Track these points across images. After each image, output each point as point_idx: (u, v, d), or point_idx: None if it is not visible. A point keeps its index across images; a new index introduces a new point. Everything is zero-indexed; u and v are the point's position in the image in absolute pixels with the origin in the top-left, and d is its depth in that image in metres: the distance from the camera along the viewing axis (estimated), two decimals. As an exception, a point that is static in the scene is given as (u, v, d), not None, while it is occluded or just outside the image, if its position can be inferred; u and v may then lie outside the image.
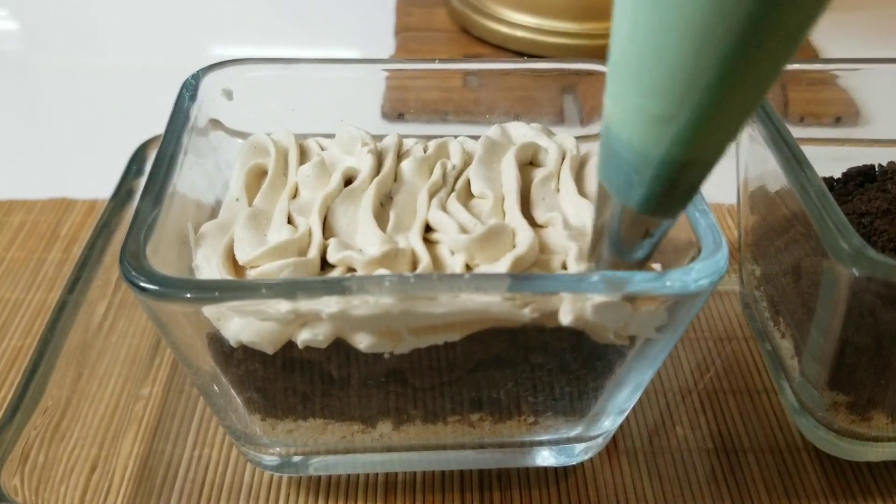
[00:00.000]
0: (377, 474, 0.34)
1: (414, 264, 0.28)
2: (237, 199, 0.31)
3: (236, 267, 0.28)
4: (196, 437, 0.35)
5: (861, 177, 0.37)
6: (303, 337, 0.26)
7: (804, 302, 0.32)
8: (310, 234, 0.29)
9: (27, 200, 0.48)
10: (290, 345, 0.26)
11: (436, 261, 0.28)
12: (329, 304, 0.24)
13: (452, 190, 0.31)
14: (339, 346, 0.26)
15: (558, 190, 0.32)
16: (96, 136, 0.55)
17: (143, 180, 0.29)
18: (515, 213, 0.30)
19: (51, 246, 0.45)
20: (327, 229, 0.30)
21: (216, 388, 0.29)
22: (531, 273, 0.26)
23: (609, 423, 0.31)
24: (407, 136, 0.35)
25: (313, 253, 0.28)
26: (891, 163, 0.38)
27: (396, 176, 0.32)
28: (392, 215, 0.30)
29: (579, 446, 0.32)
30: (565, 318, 0.25)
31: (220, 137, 0.35)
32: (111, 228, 0.36)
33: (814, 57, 0.64)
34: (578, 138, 0.35)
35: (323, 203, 0.30)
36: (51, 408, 0.31)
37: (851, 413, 0.32)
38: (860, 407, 0.32)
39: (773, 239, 0.35)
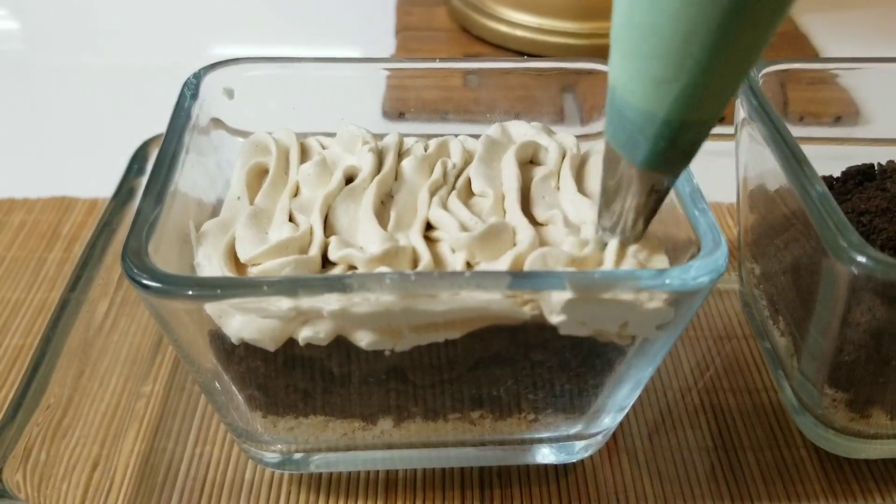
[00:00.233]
0: (378, 471, 0.34)
1: (415, 262, 0.28)
2: (238, 198, 0.31)
3: (238, 265, 0.28)
4: (197, 435, 0.35)
5: (860, 176, 0.37)
6: (304, 334, 0.26)
7: (803, 300, 0.33)
8: (311, 233, 0.29)
9: (28, 199, 0.48)
10: (292, 342, 0.26)
11: (436, 259, 0.28)
12: (330, 302, 0.24)
13: (453, 188, 0.32)
14: (340, 344, 0.26)
15: (558, 188, 0.32)
16: (97, 134, 0.56)
17: (144, 179, 0.29)
18: (516, 212, 0.30)
19: (52, 245, 0.45)
20: (328, 227, 0.30)
21: (218, 385, 0.29)
22: (532, 271, 0.26)
23: (609, 421, 0.32)
24: (407, 135, 0.35)
25: (314, 251, 0.28)
26: (890, 162, 0.38)
27: (397, 174, 0.32)
28: (393, 213, 0.30)
29: (579, 444, 0.32)
30: (553, 318, 0.25)
31: (222, 136, 0.35)
32: (112, 227, 0.36)
33: (813, 56, 0.64)
34: (578, 137, 0.35)
35: (324, 201, 0.30)
36: (53, 405, 0.31)
37: (850, 411, 0.32)
38: (859, 405, 0.32)
39: (772, 237, 0.35)
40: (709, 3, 0.20)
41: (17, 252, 0.45)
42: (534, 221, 0.30)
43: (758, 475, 0.34)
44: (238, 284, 0.25)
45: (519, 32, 0.63)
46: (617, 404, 0.31)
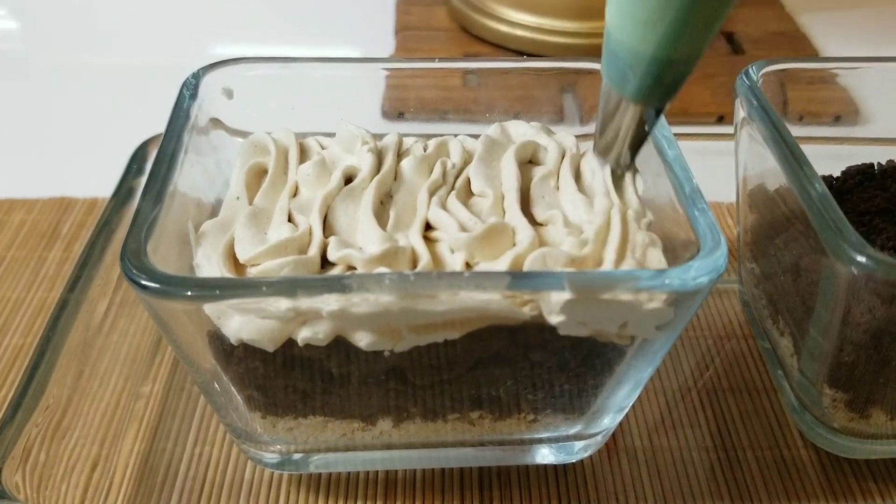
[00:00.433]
0: (377, 472, 0.34)
1: (414, 262, 0.28)
2: (237, 198, 0.31)
3: (237, 265, 0.28)
4: (197, 435, 0.35)
5: (860, 175, 0.37)
6: (303, 335, 0.26)
7: (803, 300, 0.32)
8: (310, 233, 0.29)
9: (27, 199, 0.48)
10: (291, 342, 0.26)
11: (436, 259, 0.28)
12: (329, 302, 0.24)
13: (452, 188, 0.31)
14: (340, 344, 0.26)
15: (558, 188, 0.32)
16: (96, 134, 0.56)
17: (143, 179, 0.29)
18: (515, 212, 0.30)
19: (51, 245, 0.45)
20: (327, 228, 0.30)
21: (217, 385, 0.29)
22: (531, 271, 0.26)
23: (608, 421, 0.32)
24: (407, 135, 0.35)
25: (313, 251, 0.28)
26: (890, 161, 0.38)
27: (396, 174, 0.32)
28: (392, 214, 0.30)
29: (579, 444, 0.32)
30: (553, 318, 0.25)
31: (221, 136, 0.35)
32: (112, 227, 0.36)
33: (813, 56, 0.64)
34: (578, 137, 0.35)
35: (323, 201, 0.30)
36: (52, 406, 0.31)
37: (850, 411, 0.32)
38: (859, 405, 0.32)
39: (772, 237, 0.35)
40: None
41: (16, 252, 0.45)
42: (533, 221, 0.30)
43: (757, 475, 0.34)
44: (237, 285, 0.25)
45: (518, 32, 0.63)
46: (616, 404, 0.31)
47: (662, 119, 0.32)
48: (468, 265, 0.28)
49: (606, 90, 0.29)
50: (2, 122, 0.57)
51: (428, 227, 0.30)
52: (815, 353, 0.32)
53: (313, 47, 0.67)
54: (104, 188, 0.39)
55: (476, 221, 0.29)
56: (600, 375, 0.29)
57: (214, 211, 0.32)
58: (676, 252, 0.28)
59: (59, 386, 0.32)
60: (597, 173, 0.32)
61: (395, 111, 0.41)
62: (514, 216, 0.29)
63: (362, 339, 0.26)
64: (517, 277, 0.25)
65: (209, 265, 0.28)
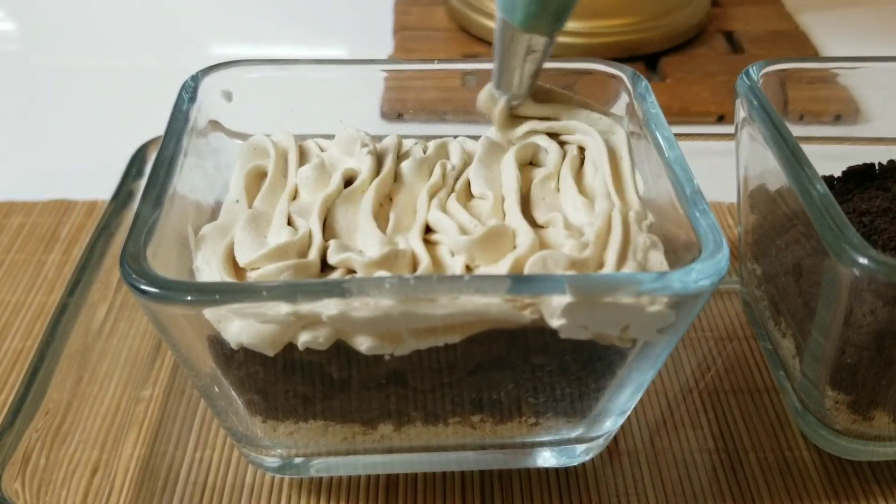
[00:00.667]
0: (378, 475, 0.34)
1: (414, 266, 0.28)
2: (237, 201, 0.31)
3: (237, 269, 0.28)
4: (197, 439, 0.35)
5: (861, 175, 0.37)
6: (303, 339, 0.26)
7: (805, 301, 0.32)
8: (310, 236, 0.29)
9: (27, 202, 0.48)
10: (291, 347, 0.26)
11: (436, 262, 0.28)
12: (329, 307, 0.24)
13: (452, 190, 0.31)
14: (340, 348, 0.26)
15: (558, 190, 0.32)
16: (96, 137, 0.55)
17: (142, 182, 0.29)
18: (516, 214, 0.29)
19: (51, 248, 0.45)
20: (327, 231, 0.30)
21: (217, 390, 0.29)
22: (532, 275, 0.26)
23: (610, 424, 0.31)
24: (406, 137, 0.35)
25: (313, 255, 0.28)
26: (891, 161, 0.38)
27: (396, 177, 0.32)
28: (392, 216, 0.30)
29: (580, 447, 0.32)
30: (554, 321, 0.25)
31: (220, 139, 0.35)
32: (111, 230, 0.36)
33: (813, 55, 0.64)
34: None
35: (323, 204, 0.30)
36: (52, 411, 0.31)
37: (853, 412, 0.32)
38: (861, 406, 0.32)
39: (773, 238, 0.35)
40: None
41: (15, 255, 0.45)
42: (534, 224, 0.30)
43: (759, 477, 0.34)
44: (237, 290, 0.25)
45: (518, 32, 0.63)
46: (618, 408, 0.30)
47: (662, 119, 0.32)
48: (468, 268, 0.28)
49: (499, 21, 0.31)
50: (0, 123, 0.57)
51: (428, 229, 0.30)
52: (817, 354, 0.32)
53: (312, 47, 0.67)
54: (103, 191, 0.39)
55: (476, 224, 0.29)
56: (602, 378, 0.29)
57: (214, 214, 0.32)
58: (677, 254, 0.28)
59: (59, 390, 0.31)
60: (598, 174, 0.32)
61: (394, 113, 0.41)
62: (515, 218, 0.29)
63: (363, 343, 0.26)
64: (518, 281, 0.25)
65: (209, 269, 0.28)
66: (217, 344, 0.27)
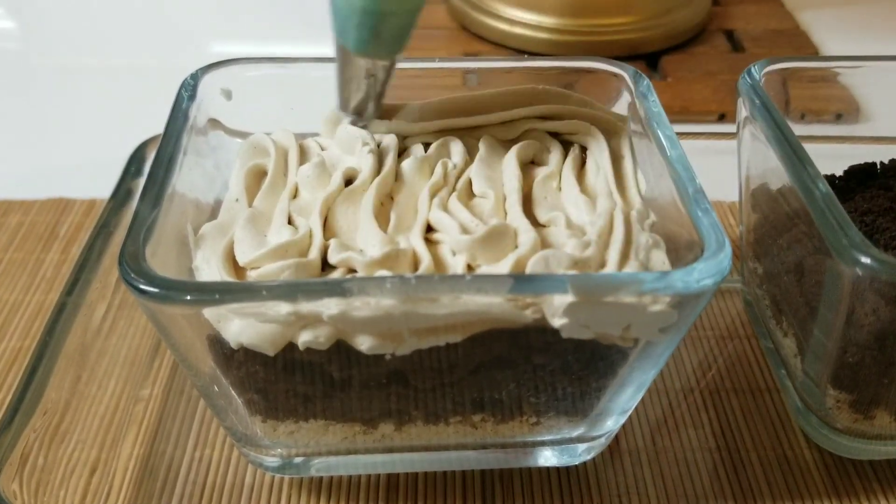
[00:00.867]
0: (379, 475, 0.34)
1: (415, 265, 0.28)
2: (237, 200, 0.31)
3: (236, 268, 0.28)
4: (197, 439, 0.35)
5: (863, 174, 0.37)
6: (304, 339, 0.25)
7: (807, 300, 0.32)
8: (310, 235, 0.29)
9: (25, 201, 0.48)
10: (291, 346, 0.26)
11: (437, 261, 0.28)
12: (330, 306, 0.24)
13: (454, 189, 0.31)
14: (341, 348, 0.26)
15: (560, 189, 0.32)
16: (94, 135, 0.55)
17: (141, 180, 0.29)
18: (517, 213, 0.29)
19: (49, 246, 0.45)
20: (328, 230, 0.29)
21: (216, 389, 0.29)
22: (533, 274, 0.26)
23: (612, 423, 0.31)
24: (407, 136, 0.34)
25: (314, 254, 0.28)
26: (892, 160, 0.38)
27: (397, 175, 0.32)
28: (393, 215, 0.30)
29: (582, 446, 0.32)
30: (556, 321, 0.25)
31: (220, 137, 0.35)
32: (110, 229, 0.36)
33: (813, 53, 0.64)
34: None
35: (323, 203, 0.30)
36: (50, 410, 0.31)
37: (854, 412, 0.32)
38: (863, 405, 0.32)
39: (775, 237, 0.35)
40: None
41: (14, 254, 0.44)
42: (535, 223, 0.30)
43: (761, 476, 0.34)
44: (237, 289, 0.25)
45: (518, 30, 0.63)
46: (620, 407, 0.30)
47: (664, 118, 0.32)
48: (470, 267, 0.27)
49: (336, 44, 0.30)
50: (-1, 122, 0.57)
51: (429, 228, 0.30)
52: (819, 353, 0.32)
53: (312, 45, 0.66)
54: (102, 189, 0.38)
55: (477, 223, 0.29)
56: (603, 378, 0.28)
57: (213, 213, 0.32)
58: (679, 253, 0.28)
59: (58, 390, 0.31)
60: (600, 173, 0.31)
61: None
62: (516, 217, 0.29)
63: (363, 343, 0.26)
64: (520, 281, 0.24)
65: (208, 268, 0.28)
66: (217, 343, 0.27)
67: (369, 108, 0.32)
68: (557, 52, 0.62)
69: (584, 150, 0.34)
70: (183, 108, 0.32)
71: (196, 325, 0.26)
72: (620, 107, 0.35)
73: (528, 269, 0.26)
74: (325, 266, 0.28)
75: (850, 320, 0.29)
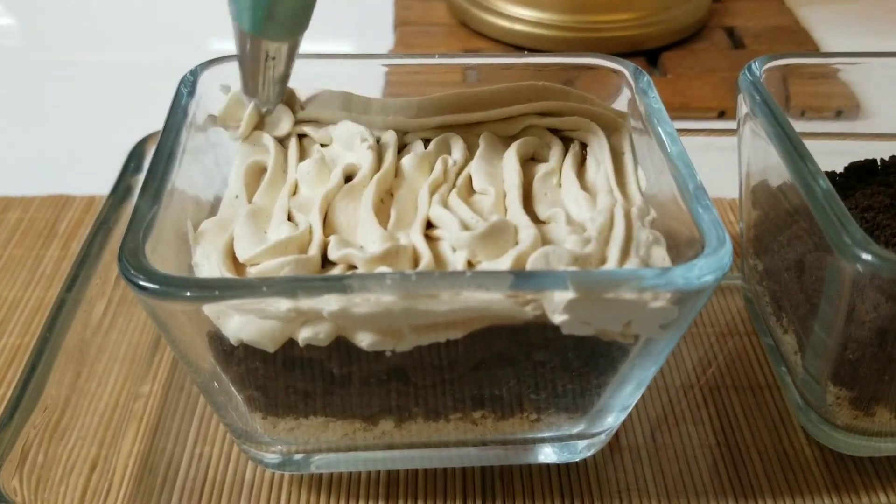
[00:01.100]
0: (379, 472, 0.34)
1: (415, 261, 0.28)
2: (237, 196, 0.31)
3: (236, 265, 0.28)
4: (197, 435, 0.35)
5: (863, 171, 0.37)
6: (304, 335, 0.25)
7: (807, 297, 0.32)
8: (310, 232, 0.29)
9: (24, 197, 0.48)
10: (291, 343, 0.26)
11: (437, 258, 0.28)
12: (330, 303, 0.24)
13: (454, 186, 0.31)
14: (341, 345, 0.26)
15: (560, 185, 0.32)
16: (94, 132, 0.55)
17: (141, 177, 0.29)
18: (517, 210, 0.29)
19: (49, 243, 0.45)
20: (328, 226, 0.29)
21: (216, 386, 0.29)
22: (534, 271, 0.26)
23: (612, 420, 0.31)
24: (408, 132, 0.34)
25: (314, 250, 0.28)
26: (893, 157, 0.38)
27: (397, 172, 0.32)
28: (393, 212, 0.30)
29: (582, 443, 0.32)
30: (556, 317, 0.25)
31: (219, 133, 0.34)
32: (109, 225, 0.36)
33: (813, 49, 0.64)
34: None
35: (323, 200, 0.30)
36: (50, 407, 0.31)
37: (854, 408, 0.32)
38: (863, 402, 0.32)
39: (775, 234, 0.35)
40: None
41: (13, 250, 0.44)
42: (535, 219, 0.30)
43: (761, 472, 0.34)
44: (236, 286, 0.25)
45: (518, 27, 0.63)
46: (620, 404, 0.30)
47: (665, 115, 0.32)
48: (470, 264, 0.27)
49: (234, 26, 0.29)
50: (-2, 119, 0.57)
51: (429, 225, 0.29)
52: (819, 350, 0.32)
53: (312, 42, 0.66)
54: (102, 186, 0.38)
55: (478, 220, 0.28)
56: (604, 375, 0.28)
57: (213, 209, 0.32)
58: (680, 249, 0.28)
59: (57, 386, 0.31)
60: (600, 169, 0.31)
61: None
62: (517, 214, 0.29)
63: (364, 340, 0.26)
64: (520, 277, 0.24)
65: (208, 264, 0.28)
66: (217, 340, 0.27)
67: (271, 92, 0.31)
68: (558, 48, 0.62)
69: (584, 146, 0.34)
70: (182, 105, 0.32)
71: (196, 322, 0.26)
72: (621, 103, 0.35)
73: (529, 266, 0.26)
74: (325, 262, 0.28)
75: (850, 317, 0.29)
